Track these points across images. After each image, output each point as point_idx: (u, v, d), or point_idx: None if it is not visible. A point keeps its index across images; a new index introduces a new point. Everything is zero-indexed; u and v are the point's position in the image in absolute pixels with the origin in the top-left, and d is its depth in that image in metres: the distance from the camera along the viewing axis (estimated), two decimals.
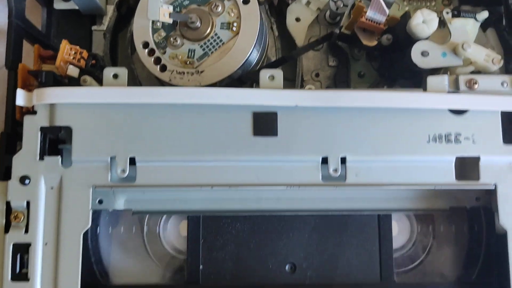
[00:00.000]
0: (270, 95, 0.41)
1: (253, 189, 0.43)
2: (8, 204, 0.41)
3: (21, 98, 0.42)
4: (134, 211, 0.46)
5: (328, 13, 0.54)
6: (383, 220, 0.46)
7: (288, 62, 0.51)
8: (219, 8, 0.48)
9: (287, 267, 0.46)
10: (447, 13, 0.46)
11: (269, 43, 0.54)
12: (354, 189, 0.46)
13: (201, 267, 0.46)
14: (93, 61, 0.48)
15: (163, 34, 0.49)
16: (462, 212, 0.47)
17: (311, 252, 0.46)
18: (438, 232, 0.48)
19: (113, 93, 0.41)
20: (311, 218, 0.46)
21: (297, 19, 0.54)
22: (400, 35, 0.48)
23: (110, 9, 0.55)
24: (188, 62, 0.48)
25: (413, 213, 0.47)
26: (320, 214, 0.46)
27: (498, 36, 0.49)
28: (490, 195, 0.44)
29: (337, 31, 0.50)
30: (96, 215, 0.46)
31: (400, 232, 0.48)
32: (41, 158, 0.42)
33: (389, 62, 0.51)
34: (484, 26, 0.50)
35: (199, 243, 0.46)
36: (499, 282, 0.44)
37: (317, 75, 0.55)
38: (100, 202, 0.46)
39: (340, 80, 0.54)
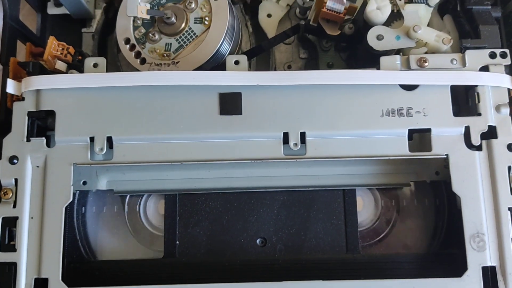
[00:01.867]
0: (233, 76, 0.45)
1: (221, 164, 0.47)
2: None
3: (11, 86, 0.47)
4: (115, 191, 0.50)
5: (297, 9, 0.58)
6: (347, 195, 0.49)
7: (258, 53, 0.55)
8: (193, 5, 0.53)
9: (258, 241, 0.49)
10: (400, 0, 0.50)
11: (244, 39, 0.58)
12: (320, 165, 0.49)
13: (177, 242, 0.49)
14: (79, 57, 0.53)
15: (143, 30, 0.53)
16: (424, 187, 0.50)
17: (280, 226, 0.49)
18: (402, 206, 0.50)
19: (91, 78, 0.46)
20: (279, 194, 0.50)
21: (269, 15, 0.58)
22: (359, 23, 0.51)
23: (98, 13, 0.60)
24: (165, 55, 0.52)
25: (376, 188, 0.50)
26: (288, 190, 0.49)
27: (454, 21, 0.52)
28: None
29: (302, 22, 0.54)
30: (81, 195, 0.50)
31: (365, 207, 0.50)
32: (28, 139, 0.46)
33: (355, 51, 0.55)
34: (441, 13, 0.54)
35: (175, 220, 0.49)
36: (461, 253, 0.46)
37: (289, 67, 0.58)
38: (84, 183, 0.50)
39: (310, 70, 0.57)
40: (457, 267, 0.44)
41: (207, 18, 0.52)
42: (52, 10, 0.60)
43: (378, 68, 0.47)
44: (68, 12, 0.59)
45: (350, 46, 0.56)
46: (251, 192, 0.50)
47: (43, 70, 0.49)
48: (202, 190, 0.50)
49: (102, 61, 0.48)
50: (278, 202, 0.49)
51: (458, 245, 0.45)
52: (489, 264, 0.43)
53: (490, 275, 0.43)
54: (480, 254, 0.43)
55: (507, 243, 0.44)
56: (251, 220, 0.49)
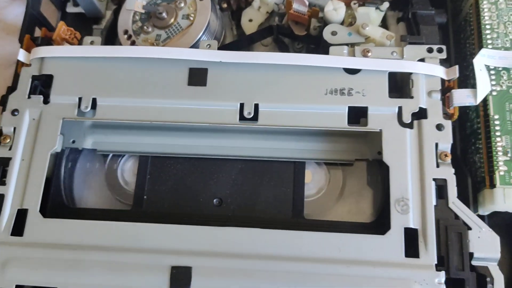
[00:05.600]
0: (200, 53, 0.54)
1: (189, 133, 0.54)
2: (0, 130, 0.54)
3: (22, 55, 0.57)
4: (98, 150, 0.58)
5: (276, 18, 0.67)
6: (297, 167, 0.55)
7: (233, 49, 0.63)
8: (182, 4, 0.63)
9: (214, 201, 0.55)
10: (354, 3, 0.58)
11: (228, 40, 0.67)
12: (275, 139, 0.56)
13: (145, 197, 0.56)
14: None
15: (139, 24, 0.63)
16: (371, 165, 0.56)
17: (236, 190, 0.55)
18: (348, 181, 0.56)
19: (85, 49, 0.55)
20: (238, 162, 0.56)
21: (250, 20, 0.67)
22: (322, 25, 0.59)
23: (108, 14, 0.71)
24: (155, 44, 0.62)
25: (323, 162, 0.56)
26: (246, 159, 0.56)
27: (406, 27, 0.60)
28: None
29: (274, 23, 0.62)
30: (70, 152, 0.58)
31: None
32: (29, 97, 0.55)
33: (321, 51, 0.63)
34: (398, 20, 0.61)
35: (145, 178, 0.56)
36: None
37: None
38: (73, 142, 0.58)
39: None
40: (384, 229, 0.49)
41: (192, 15, 0.62)
42: (70, 8, 0.71)
43: None
44: (83, 11, 0.70)
45: (318, 48, 0.64)
46: (213, 159, 0.56)
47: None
48: (172, 154, 0.57)
49: (97, 39, 0.58)
50: (235, 169, 0.56)
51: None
52: (411, 226, 0.48)
53: (412, 236, 0.48)
54: (403, 216, 0.48)
55: (429, 209, 0.48)
56: (211, 183, 0.56)
